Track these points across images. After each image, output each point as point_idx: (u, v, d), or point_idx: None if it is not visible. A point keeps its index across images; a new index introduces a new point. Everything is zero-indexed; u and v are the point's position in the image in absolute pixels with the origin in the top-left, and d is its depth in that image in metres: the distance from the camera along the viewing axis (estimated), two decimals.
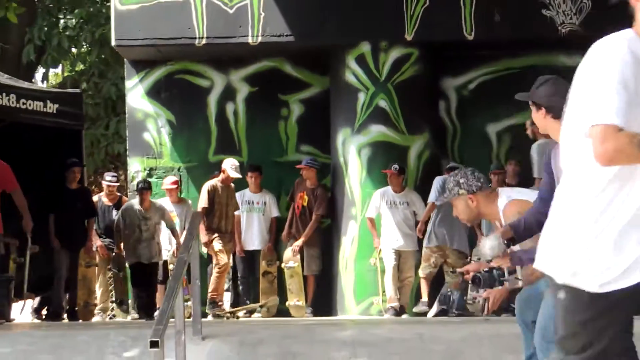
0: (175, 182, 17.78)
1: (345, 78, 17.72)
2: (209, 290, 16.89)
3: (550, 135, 7.59)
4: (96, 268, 17.62)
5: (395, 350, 10.40)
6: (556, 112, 7.37)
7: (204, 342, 10.61)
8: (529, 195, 7.77)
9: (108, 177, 18.16)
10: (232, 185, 17.23)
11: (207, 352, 10.39)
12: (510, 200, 7.71)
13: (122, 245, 17.31)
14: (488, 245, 7.26)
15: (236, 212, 17.41)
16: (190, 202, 17.73)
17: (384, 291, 16.86)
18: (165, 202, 17.65)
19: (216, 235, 16.99)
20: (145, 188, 17.11)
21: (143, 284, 17.28)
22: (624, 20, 18.34)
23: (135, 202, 17.26)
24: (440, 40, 17.54)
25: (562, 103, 7.22)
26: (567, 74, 19.87)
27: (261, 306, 17.32)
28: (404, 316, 16.46)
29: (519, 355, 7.95)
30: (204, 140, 18.60)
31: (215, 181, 17.13)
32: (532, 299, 7.69)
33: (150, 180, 17.93)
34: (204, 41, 17.66)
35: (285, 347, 10.52)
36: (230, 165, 17.01)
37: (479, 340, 10.33)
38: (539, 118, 7.51)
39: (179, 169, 18.47)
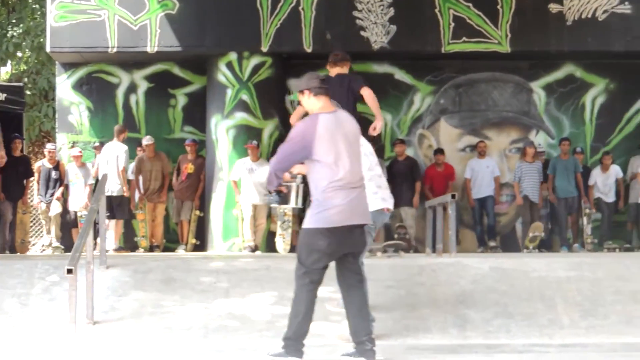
0: (79, 152, 17.33)
1: (217, 78, 17.47)
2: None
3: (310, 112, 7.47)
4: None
5: (247, 277, 10.33)
6: (315, 91, 7.33)
7: (108, 270, 10.40)
8: None
9: (49, 146, 17.64)
10: (158, 153, 17.22)
11: (110, 277, 10.19)
12: None
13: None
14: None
15: None
16: (88, 165, 17.33)
17: (243, 234, 16.76)
18: (72, 166, 17.29)
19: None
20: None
21: None
22: (422, 40, 18.14)
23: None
24: (287, 52, 17.47)
25: (317, 85, 7.30)
26: (377, 78, 19.67)
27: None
28: (257, 252, 16.35)
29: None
30: (114, 122, 18.09)
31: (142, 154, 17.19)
32: None
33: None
34: (115, 49, 17.34)
35: (168, 274, 10.36)
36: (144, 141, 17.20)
37: None
38: (304, 100, 7.43)
39: (94, 143, 17.97)
